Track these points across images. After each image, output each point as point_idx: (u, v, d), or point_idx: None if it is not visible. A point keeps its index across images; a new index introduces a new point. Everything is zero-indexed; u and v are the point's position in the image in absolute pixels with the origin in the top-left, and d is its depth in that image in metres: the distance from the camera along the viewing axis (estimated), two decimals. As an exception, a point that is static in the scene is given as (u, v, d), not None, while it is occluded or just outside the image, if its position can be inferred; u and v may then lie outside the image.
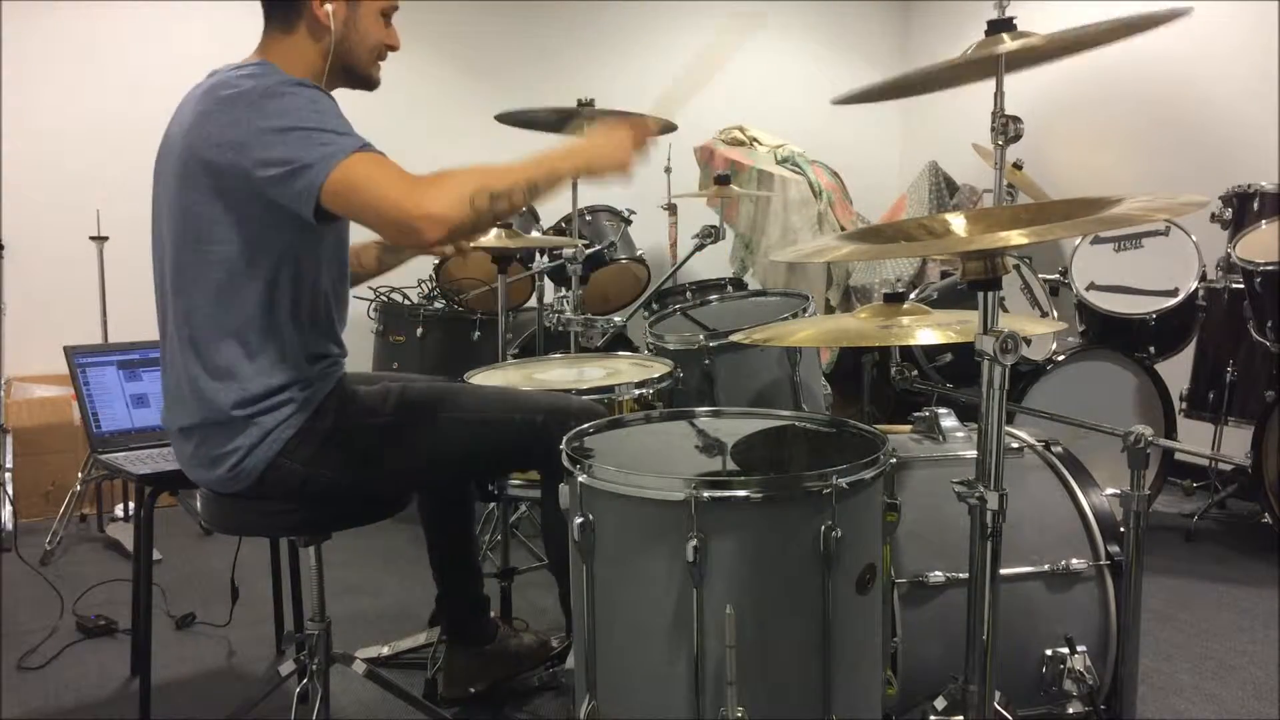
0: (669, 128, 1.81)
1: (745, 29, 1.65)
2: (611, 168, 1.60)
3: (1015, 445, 1.87)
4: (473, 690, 2.09)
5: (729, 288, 3.04)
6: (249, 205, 1.48)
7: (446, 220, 1.40)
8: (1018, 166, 3.80)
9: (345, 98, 1.62)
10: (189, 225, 1.52)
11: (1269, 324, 2.82)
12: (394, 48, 1.71)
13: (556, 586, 1.89)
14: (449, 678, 2.10)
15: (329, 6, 1.60)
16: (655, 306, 2.89)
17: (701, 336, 2.32)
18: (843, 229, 4.10)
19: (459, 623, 2.11)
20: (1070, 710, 1.67)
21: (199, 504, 1.73)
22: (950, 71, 1.65)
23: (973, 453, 1.35)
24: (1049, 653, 1.67)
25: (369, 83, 1.71)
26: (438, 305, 3.63)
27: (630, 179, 1.64)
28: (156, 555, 2.93)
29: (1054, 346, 3.08)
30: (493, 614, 2.18)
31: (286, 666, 1.86)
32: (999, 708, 1.45)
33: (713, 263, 4.15)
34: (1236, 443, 3.08)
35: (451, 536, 2.09)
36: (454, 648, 2.11)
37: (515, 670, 2.13)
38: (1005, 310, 2.92)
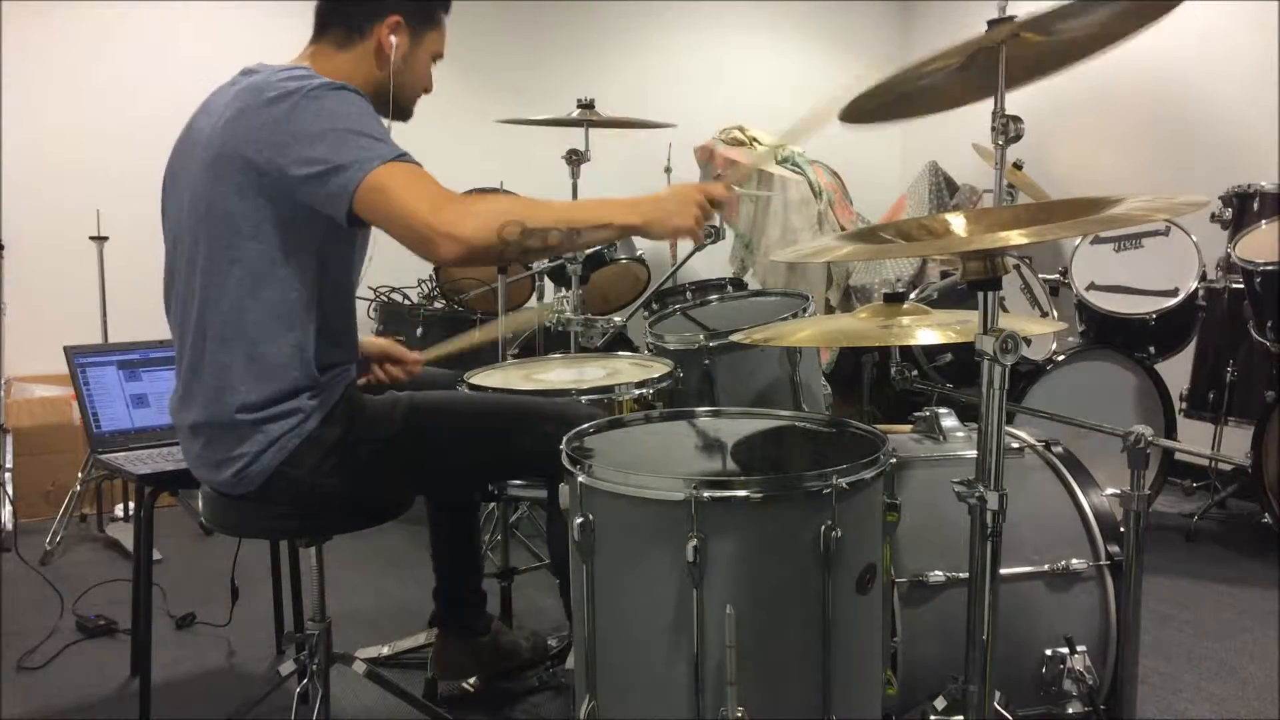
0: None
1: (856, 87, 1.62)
2: (673, 232, 1.56)
3: (1015, 445, 1.87)
4: (467, 686, 2.09)
5: (729, 288, 3.04)
6: (282, 206, 1.48)
7: (467, 242, 1.39)
8: (1018, 166, 3.81)
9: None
10: (217, 221, 1.51)
11: (1269, 324, 2.82)
12: (428, 90, 1.74)
13: (557, 588, 1.89)
14: (439, 664, 2.10)
15: (394, 38, 1.61)
16: (655, 306, 2.89)
17: (701, 336, 2.32)
18: (843, 229, 4.10)
19: (452, 613, 2.11)
20: (1070, 710, 1.66)
21: (199, 504, 1.73)
22: (951, 78, 1.66)
23: (973, 453, 1.35)
24: (1049, 653, 1.67)
25: (406, 115, 1.73)
26: (438, 305, 3.64)
27: (697, 241, 1.60)
28: (156, 555, 2.93)
29: (1054, 346, 3.08)
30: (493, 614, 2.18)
31: (286, 666, 1.86)
32: (999, 708, 1.45)
33: (713, 263, 4.15)
34: (1236, 443, 3.08)
35: (455, 529, 2.09)
36: (446, 636, 2.11)
37: (505, 665, 2.12)
38: (1005, 310, 2.92)
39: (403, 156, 1.44)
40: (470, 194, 1.51)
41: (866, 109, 1.65)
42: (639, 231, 1.56)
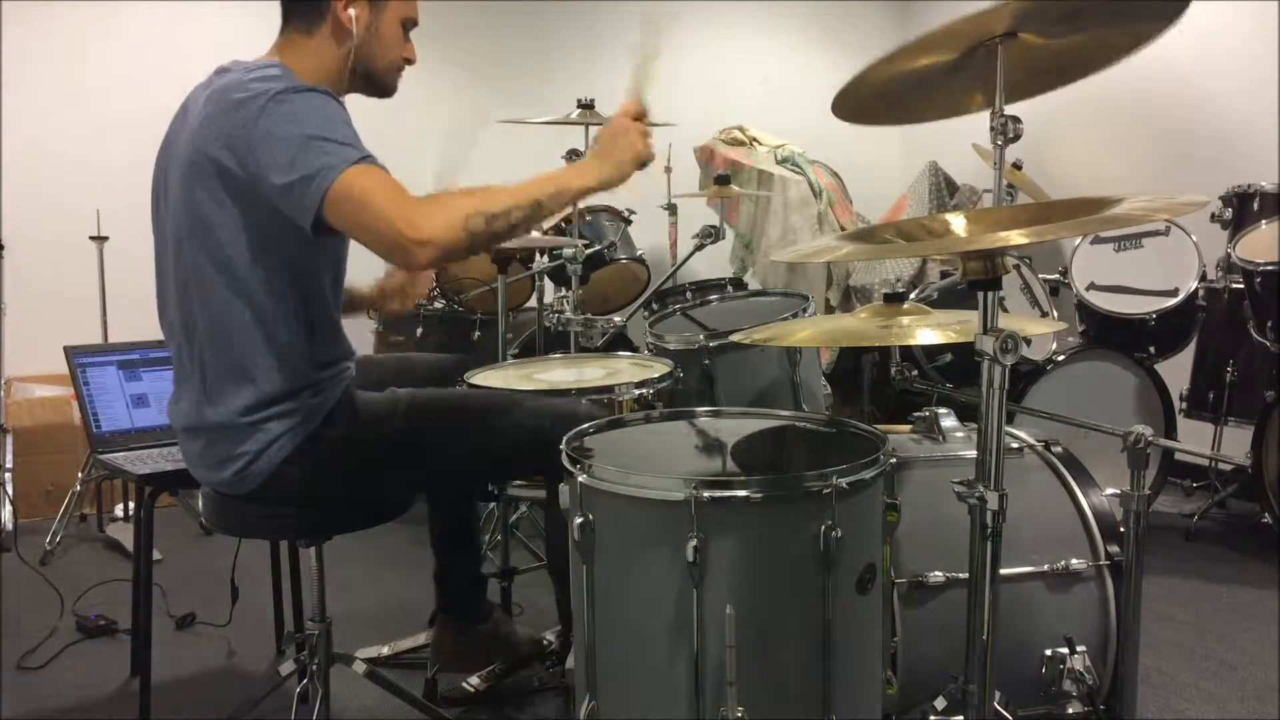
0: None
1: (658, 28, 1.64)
2: (632, 167, 1.58)
3: (1015, 445, 1.87)
4: (468, 686, 2.09)
5: (729, 288, 3.04)
6: (256, 210, 1.48)
7: (439, 245, 1.40)
8: (1017, 166, 3.80)
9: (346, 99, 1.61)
10: (196, 225, 1.51)
11: (1269, 324, 2.82)
12: (410, 61, 1.71)
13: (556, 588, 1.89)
14: (439, 652, 2.09)
15: (352, 10, 1.59)
16: (655, 306, 2.89)
17: (701, 336, 2.32)
18: (843, 229, 4.10)
19: (453, 598, 2.11)
20: (1070, 710, 1.66)
21: (200, 504, 1.73)
22: (945, 87, 1.65)
23: (973, 453, 1.35)
24: (1049, 653, 1.66)
25: (387, 90, 1.71)
26: (438, 305, 3.63)
27: (651, 159, 1.62)
28: (156, 555, 2.93)
29: (1054, 346, 3.08)
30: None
31: (286, 666, 1.86)
32: (999, 708, 1.45)
33: (713, 263, 4.15)
34: (1236, 443, 3.07)
35: (454, 513, 2.09)
36: (445, 623, 2.10)
37: (505, 656, 2.12)
38: (1005, 310, 2.92)
39: (366, 159, 1.43)
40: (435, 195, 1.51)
41: (863, 106, 1.64)
42: (599, 188, 1.58)
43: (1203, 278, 3.03)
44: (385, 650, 2.30)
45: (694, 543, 1.23)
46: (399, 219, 1.38)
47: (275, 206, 1.45)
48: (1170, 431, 3.12)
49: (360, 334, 3.38)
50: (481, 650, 2.11)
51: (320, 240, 1.51)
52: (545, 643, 2.17)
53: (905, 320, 1.66)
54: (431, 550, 2.10)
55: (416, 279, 2.04)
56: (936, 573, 1.66)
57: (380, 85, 1.69)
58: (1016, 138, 1.70)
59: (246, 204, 1.48)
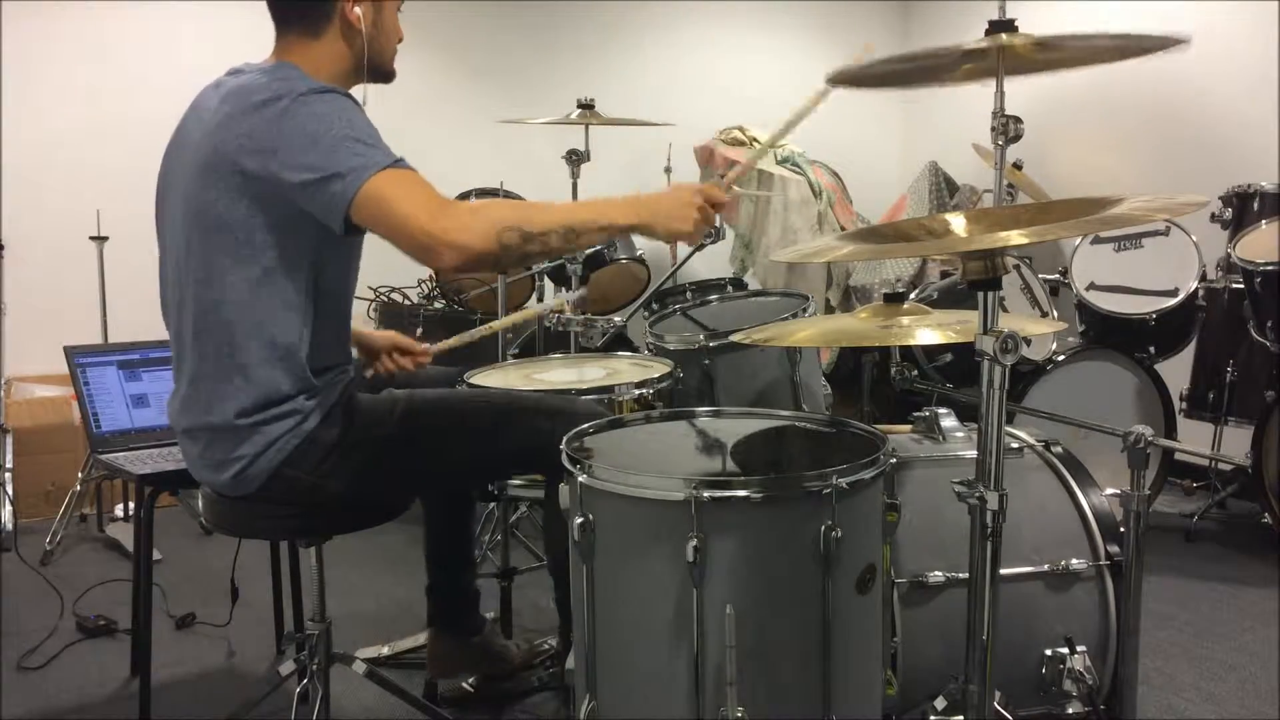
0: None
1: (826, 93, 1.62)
2: (670, 234, 1.56)
3: (1015, 445, 1.87)
4: (468, 686, 2.09)
5: (729, 288, 3.04)
6: (275, 210, 1.48)
7: (468, 250, 1.40)
8: (1018, 166, 3.80)
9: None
10: (208, 225, 1.51)
11: (1269, 324, 2.82)
12: (401, 40, 1.72)
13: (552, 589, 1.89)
14: (431, 660, 2.10)
15: (359, 9, 1.60)
16: (655, 306, 2.89)
17: (701, 336, 2.32)
18: (843, 229, 4.10)
19: (445, 610, 2.11)
20: (1070, 710, 1.67)
21: (200, 504, 1.73)
22: (949, 65, 1.65)
23: (973, 453, 1.35)
24: (1049, 653, 1.67)
25: (390, 75, 1.72)
26: (438, 305, 3.64)
27: (694, 243, 1.61)
28: (156, 555, 2.93)
29: (1054, 346, 3.08)
30: (490, 615, 2.18)
31: (286, 666, 1.86)
32: (999, 708, 1.45)
33: (713, 263, 4.15)
34: (1236, 443, 3.07)
35: (451, 525, 2.09)
36: (437, 635, 2.11)
37: (496, 668, 2.12)
38: (1005, 310, 2.92)
39: (399, 162, 1.44)
40: (466, 198, 1.51)
41: (864, 76, 1.65)
42: (637, 231, 1.56)
43: (1203, 278, 3.03)
44: (385, 650, 2.30)
45: (694, 543, 1.23)
46: (432, 220, 1.39)
47: (294, 207, 1.46)
48: (1170, 431, 3.12)
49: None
50: (474, 663, 2.11)
51: (335, 245, 1.51)
52: (545, 647, 2.17)
53: (905, 320, 1.66)
54: (425, 563, 2.11)
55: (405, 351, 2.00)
56: (936, 573, 1.66)
57: (385, 73, 1.70)
58: (1017, 138, 1.71)
59: (263, 204, 1.47)
